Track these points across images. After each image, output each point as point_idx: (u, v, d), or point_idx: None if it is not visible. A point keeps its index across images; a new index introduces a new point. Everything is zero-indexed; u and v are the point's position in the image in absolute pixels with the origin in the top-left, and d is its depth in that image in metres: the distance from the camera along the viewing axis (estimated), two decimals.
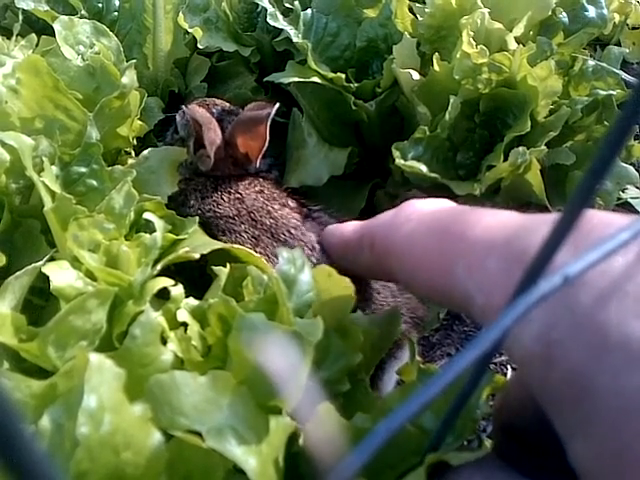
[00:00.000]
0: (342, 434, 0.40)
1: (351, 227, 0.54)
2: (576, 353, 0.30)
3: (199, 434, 0.36)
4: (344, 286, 0.48)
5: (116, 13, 1.07)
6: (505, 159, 0.80)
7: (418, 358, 0.52)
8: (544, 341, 0.32)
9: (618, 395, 0.29)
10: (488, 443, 0.49)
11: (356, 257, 0.52)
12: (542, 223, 0.36)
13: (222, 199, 0.73)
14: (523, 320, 0.25)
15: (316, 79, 0.88)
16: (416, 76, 0.86)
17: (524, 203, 0.90)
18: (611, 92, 0.90)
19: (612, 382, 0.29)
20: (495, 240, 0.37)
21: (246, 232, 0.68)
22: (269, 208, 0.71)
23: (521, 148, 0.78)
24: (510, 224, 0.38)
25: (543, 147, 0.81)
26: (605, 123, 0.90)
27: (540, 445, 0.34)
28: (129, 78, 0.77)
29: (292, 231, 0.68)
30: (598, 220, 0.33)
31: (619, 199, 0.97)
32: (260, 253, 0.64)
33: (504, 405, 0.44)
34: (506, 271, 0.35)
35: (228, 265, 0.51)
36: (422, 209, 0.47)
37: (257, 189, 0.75)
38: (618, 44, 1.33)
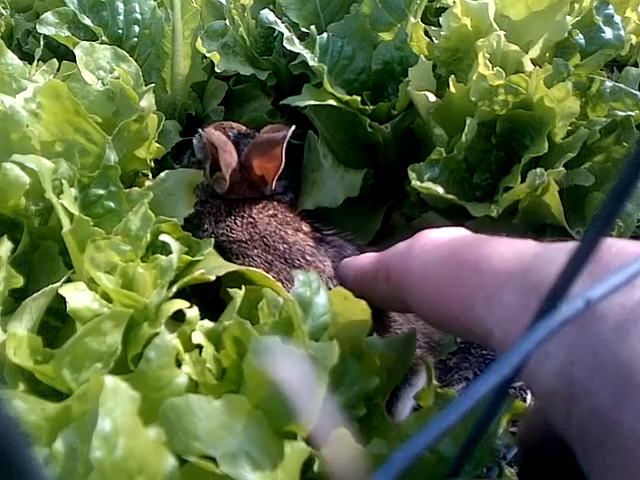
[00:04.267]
0: (359, 460, 0.39)
1: (367, 259, 0.54)
2: (599, 392, 0.29)
3: (213, 459, 0.35)
4: (360, 309, 0.47)
5: (136, 39, 1.09)
6: (522, 180, 0.79)
7: (435, 382, 0.51)
8: (566, 378, 0.31)
9: None
10: (508, 471, 0.48)
11: (372, 288, 0.52)
12: (558, 252, 0.35)
13: (235, 223, 0.73)
14: (542, 349, 0.24)
15: (332, 102, 0.89)
16: (432, 98, 0.86)
17: (542, 225, 0.89)
18: (629, 113, 0.89)
19: (638, 425, 0.28)
20: (512, 272, 0.36)
21: (259, 257, 0.68)
22: (282, 233, 0.70)
23: (539, 169, 0.78)
24: (526, 254, 0.37)
25: (561, 168, 0.80)
26: (624, 144, 0.89)
27: (566, 473, 0.33)
28: (147, 102, 0.78)
29: (307, 257, 0.67)
30: (617, 250, 0.33)
31: (639, 221, 0.96)
32: (273, 277, 0.64)
33: (528, 432, 0.43)
34: (524, 304, 0.34)
35: (243, 287, 0.51)
36: (436, 239, 0.46)
37: (270, 213, 0.75)
38: (636, 65, 1.32)
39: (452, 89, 0.84)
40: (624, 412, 0.28)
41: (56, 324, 0.58)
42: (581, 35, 0.96)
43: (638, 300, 0.30)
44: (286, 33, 0.92)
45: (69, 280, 0.56)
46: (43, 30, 1.02)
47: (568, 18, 0.90)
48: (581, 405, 0.30)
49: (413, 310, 0.47)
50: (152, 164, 0.88)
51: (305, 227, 0.73)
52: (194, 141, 0.85)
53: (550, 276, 0.29)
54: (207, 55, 1.02)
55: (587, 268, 0.24)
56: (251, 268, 0.57)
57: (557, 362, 0.31)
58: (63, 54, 1.05)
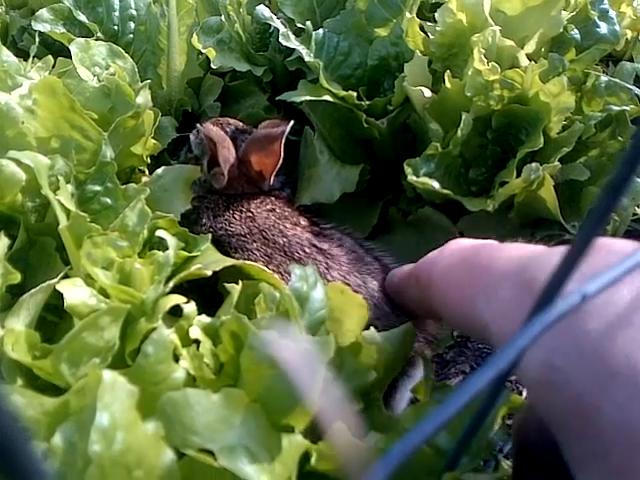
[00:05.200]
0: (356, 454, 0.39)
1: (408, 266, 0.57)
2: (580, 382, 0.30)
3: (211, 452, 0.36)
4: (357, 303, 0.48)
5: (131, 35, 1.08)
6: (518, 175, 0.80)
7: (432, 376, 0.52)
8: (548, 367, 0.31)
9: (624, 429, 0.28)
10: (505, 464, 0.48)
11: (406, 293, 0.55)
12: (554, 252, 0.36)
13: (234, 217, 0.73)
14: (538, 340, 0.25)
15: (328, 97, 0.89)
16: (428, 93, 0.86)
17: (537, 219, 0.90)
18: (624, 107, 0.89)
19: (618, 415, 0.28)
20: (510, 270, 0.37)
21: (258, 250, 0.68)
22: (281, 227, 0.71)
23: (534, 164, 0.78)
24: (525, 255, 0.38)
25: (556, 163, 0.80)
26: (619, 138, 0.89)
27: (559, 468, 0.33)
28: (143, 98, 0.78)
29: (306, 250, 0.68)
30: (608, 249, 0.33)
31: (634, 215, 0.96)
32: (273, 271, 0.64)
33: (522, 427, 0.43)
34: (517, 300, 0.35)
35: (240, 282, 0.51)
36: (462, 246, 0.47)
37: (269, 207, 0.75)
38: (631, 60, 1.32)
39: (448, 84, 0.84)
40: (604, 402, 0.28)
41: (54, 320, 0.58)
42: (576, 30, 0.96)
43: (623, 294, 0.30)
44: (282, 29, 0.92)
45: (66, 276, 0.56)
46: (38, 27, 1.02)
47: (563, 13, 0.90)
48: (562, 394, 0.30)
49: (437, 312, 0.49)
50: (148, 160, 0.88)
51: (303, 221, 0.74)
52: (191, 137, 0.85)
53: (544, 273, 0.29)
54: (203, 51, 1.02)
55: (580, 266, 0.24)
56: (248, 262, 0.57)
57: (541, 351, 0.31)
58: (58, 51, 1.05)
